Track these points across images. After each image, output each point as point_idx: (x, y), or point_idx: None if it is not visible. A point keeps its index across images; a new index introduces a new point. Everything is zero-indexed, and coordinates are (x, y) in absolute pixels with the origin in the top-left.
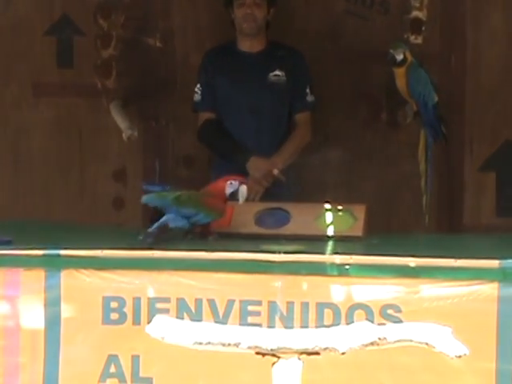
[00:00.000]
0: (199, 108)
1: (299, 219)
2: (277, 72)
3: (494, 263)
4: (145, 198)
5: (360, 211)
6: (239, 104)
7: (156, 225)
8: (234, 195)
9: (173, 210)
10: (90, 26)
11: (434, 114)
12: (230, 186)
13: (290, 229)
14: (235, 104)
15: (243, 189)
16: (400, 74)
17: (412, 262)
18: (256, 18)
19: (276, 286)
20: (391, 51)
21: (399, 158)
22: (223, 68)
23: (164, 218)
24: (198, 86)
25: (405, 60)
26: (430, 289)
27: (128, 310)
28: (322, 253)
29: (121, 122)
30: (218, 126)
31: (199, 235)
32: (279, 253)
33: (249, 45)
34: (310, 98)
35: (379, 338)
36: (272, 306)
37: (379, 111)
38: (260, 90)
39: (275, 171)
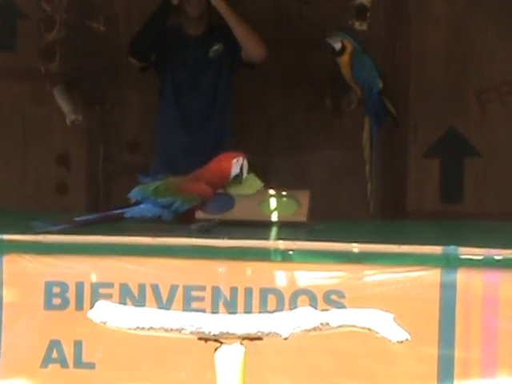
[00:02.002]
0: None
1: (243, 204)
2: (215, 47)
3: (437, 249)
4: (132, 192)
5: (304, 197)
6: (182, 83)
7: (132, 213)
8: (236, 177)
9: (150, 200)
10: (33, 9)
11: (379, 101)
12: (236, 164)
13: (234, 214)
14: (178, 84)
15: (245, 163)
16: (344, 62)
17: (356, 247)
18: (200, 2)
19: (220, 271)
20: (327, 40)
21: (344, 144)
22: (168, 48)
23: (138, 209)
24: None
25: (344, 48)
26: (373, 275)
27: (71, 295)
28: (266, 238)
29: (64, 106)
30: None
31: (183, 223)
32: (223, 238)
33: (193, 29)
34: None
35: (322, 324)
36: (216, 291)
37: (324, 97)
38: (201, 67)
39: None
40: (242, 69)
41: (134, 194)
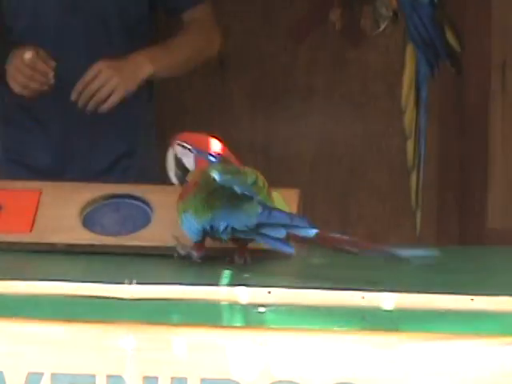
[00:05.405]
0: None
1: (169, 216)
2: None
3: None
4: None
5: (290, 199)
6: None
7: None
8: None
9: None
10: None
11: (433, 18)
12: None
13: (150, 235)
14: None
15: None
16: None
17: (387, 300)
18: None
19: (123, 347)
20: None
21: (365, 101)
22: None
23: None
24: None
25: None
26: (420, 351)
27: None
28: (213, 282)
29: None
30: None
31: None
32: (129, 282)
33: None
34: None
35: None
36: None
37: (326, 13)
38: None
39: (26, 54)
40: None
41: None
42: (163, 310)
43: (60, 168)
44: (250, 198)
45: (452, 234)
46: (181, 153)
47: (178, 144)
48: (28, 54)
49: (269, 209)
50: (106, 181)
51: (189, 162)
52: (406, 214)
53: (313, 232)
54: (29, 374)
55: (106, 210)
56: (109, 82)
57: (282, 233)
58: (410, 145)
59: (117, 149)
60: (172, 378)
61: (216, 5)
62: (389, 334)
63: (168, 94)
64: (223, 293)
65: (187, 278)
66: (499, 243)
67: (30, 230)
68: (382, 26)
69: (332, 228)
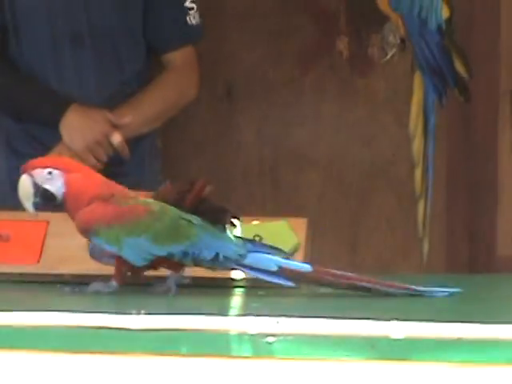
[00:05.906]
0: None
1: None
2: None
3: None
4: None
5: (298, 228)
6: (56, 30)
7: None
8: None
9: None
10: None
11: (441, 45)
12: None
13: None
14: (49, 30)
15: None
16: None
17: (397, 329)
18: None
19: (131, 378)
20: None
21: (373, 129)
22: None
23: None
24: None
25: None
26: (430, 381)
27: None
28: (222, 312)
29: None
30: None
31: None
32: (137, 313)
33: None
34: (192, 20)
35: None
36: None
37: (333, 39)
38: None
39: (116, 138)
40: None
41: None
42: (171, 340)
43: None
44: (224, 228)
45: (461, 262)
46: (42, 179)
47: (41, 170)
48: (118, 139)
49: (244, 239)
50: None
51: (55, 186)
52: (414, 241)
53: (308, 267)
54: None
55: None
56: None
57: (272, 266)
58: (418, 172)
59: (124, 180)
60: None
61: (223, 33)
62: (399, 364)
63: (174, 123)
64: (231, 323)
65: (195, 308)
66: (510, 270)
67: (38, 261)
68: (390, 54)
69: (340, 256)
